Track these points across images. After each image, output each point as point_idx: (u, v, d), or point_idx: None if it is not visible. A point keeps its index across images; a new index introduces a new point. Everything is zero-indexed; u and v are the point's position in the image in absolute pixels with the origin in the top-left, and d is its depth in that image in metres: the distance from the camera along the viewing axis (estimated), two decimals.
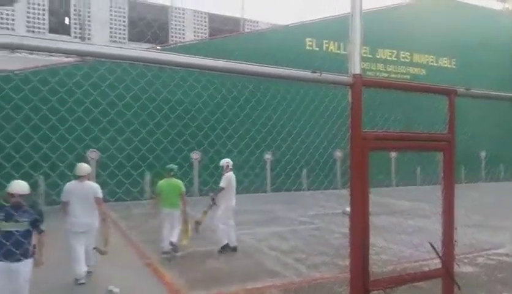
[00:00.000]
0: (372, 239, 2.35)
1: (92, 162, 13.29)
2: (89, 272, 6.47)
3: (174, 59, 1.87)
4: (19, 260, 4.50)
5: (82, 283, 6.18)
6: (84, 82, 6.40)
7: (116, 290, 4.73)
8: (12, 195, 4.53)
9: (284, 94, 14.14)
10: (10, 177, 5.14)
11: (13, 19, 17.21)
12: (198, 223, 8.06)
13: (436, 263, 2.86)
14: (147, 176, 14.13)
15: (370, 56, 19.90)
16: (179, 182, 7.92)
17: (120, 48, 1.86)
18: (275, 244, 8.71)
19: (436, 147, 2.69)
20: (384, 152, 17.70)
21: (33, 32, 17.43)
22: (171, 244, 7.69)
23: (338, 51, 18.61)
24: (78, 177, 6.44)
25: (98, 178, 13.24)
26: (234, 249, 8.07)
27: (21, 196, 4.57)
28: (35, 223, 4.67)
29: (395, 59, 20.97)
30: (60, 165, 7.26)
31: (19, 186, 4.60)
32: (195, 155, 14.69)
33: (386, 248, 8.19)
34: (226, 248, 7.98)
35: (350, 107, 2.10)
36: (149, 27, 18.52)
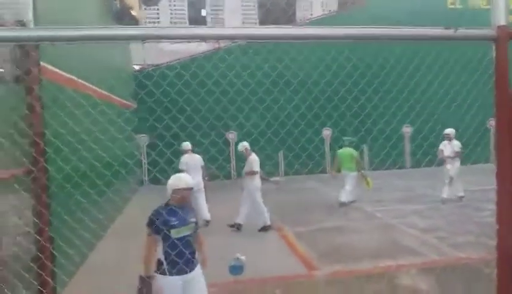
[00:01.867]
0: None
1: (231, 142, 14.28)
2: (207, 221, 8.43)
3: (293, 33, 1.84)
4: (194, 268, 3.70)
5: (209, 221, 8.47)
6: (237, 65, 6.86)
7: (242, 257, 4.97)
8: (186, 190, 3.70)
9: (424, 55, 12.86)
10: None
11: (158, 15, 19.26)
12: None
13: None
14: (281, 152, 14.49)
15: None
16: (352, 150, 9.77)
17: (240, 28, 1.90)
18: (415, 222, 8.18)
19: None
20: None
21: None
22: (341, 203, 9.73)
23: (487, 6, 16.23)
24: (186, 152, 8.56)
25: (238, 159, 14.12)
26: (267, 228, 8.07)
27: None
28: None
29: None
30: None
31: (190, 179, 3.80)
32: (326, 132, 14.73)
33: None
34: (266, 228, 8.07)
35: (495, 64, 1.80)
36: (277, 7, 18.70)
